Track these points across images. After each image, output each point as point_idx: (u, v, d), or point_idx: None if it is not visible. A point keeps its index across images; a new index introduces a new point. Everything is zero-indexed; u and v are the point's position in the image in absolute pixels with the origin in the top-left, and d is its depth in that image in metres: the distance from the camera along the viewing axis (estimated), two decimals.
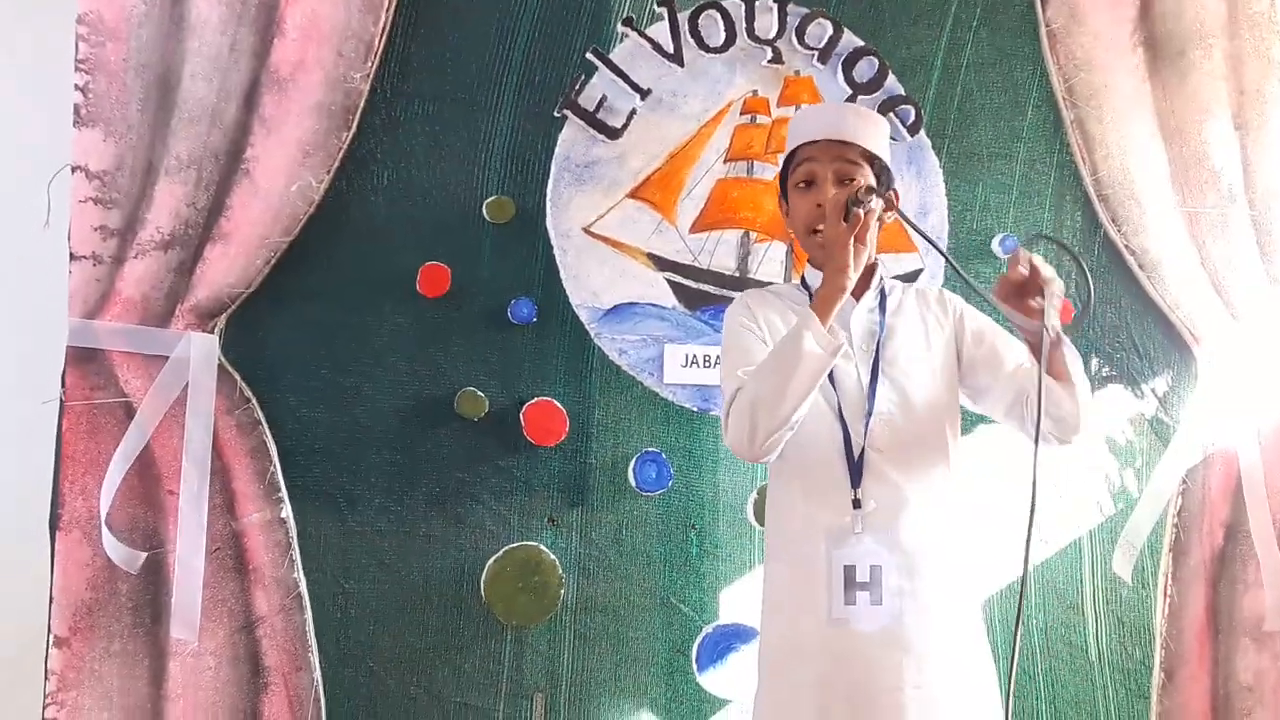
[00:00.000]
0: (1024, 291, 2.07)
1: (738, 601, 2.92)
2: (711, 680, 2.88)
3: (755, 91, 3.06)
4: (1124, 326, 3.18)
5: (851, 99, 3.06)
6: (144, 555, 2.68)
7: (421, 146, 2.91)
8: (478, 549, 2.87)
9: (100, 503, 2.65)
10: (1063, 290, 2.06)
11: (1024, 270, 2.04)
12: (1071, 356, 2.15)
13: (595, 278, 2.96)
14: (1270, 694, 3.11)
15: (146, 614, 2.71)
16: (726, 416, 2.17)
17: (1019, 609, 1.98)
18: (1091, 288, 2.39)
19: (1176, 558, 3.13)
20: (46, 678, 2.65)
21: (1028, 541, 2.02)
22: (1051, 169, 3.19)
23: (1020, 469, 2.09)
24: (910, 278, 3.02)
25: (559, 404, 2.90)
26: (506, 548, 2.87)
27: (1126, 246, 3.17)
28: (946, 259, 2.14)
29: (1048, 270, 2.05)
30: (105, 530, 2.64)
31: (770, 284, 2.90)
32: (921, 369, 2.27)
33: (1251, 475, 3.14)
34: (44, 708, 2.65)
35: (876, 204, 2.14)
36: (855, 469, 2.18)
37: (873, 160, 2.26)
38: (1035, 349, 2.10)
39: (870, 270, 2.29)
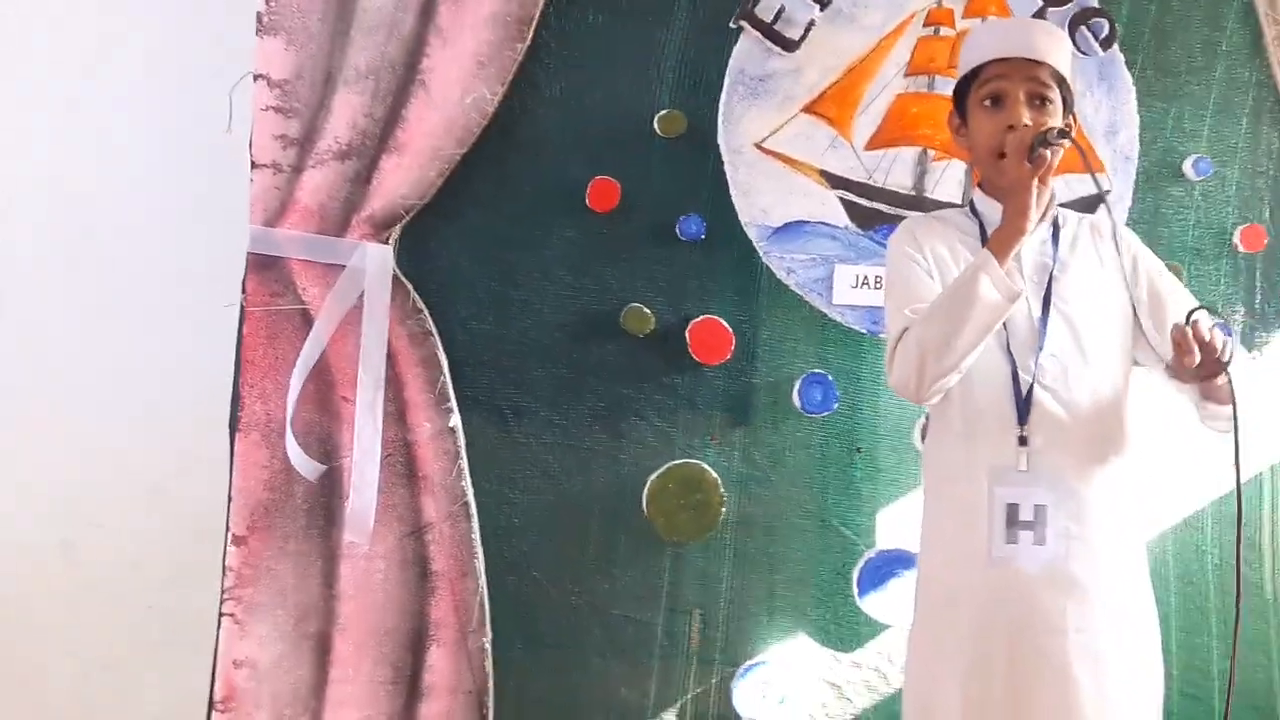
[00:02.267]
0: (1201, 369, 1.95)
1: (900, 526, 2.89)
2: (872, 604, 2.86)
3: (940, 2, 2.94)
4: None
5: (1042, 11, 2.92)
6: (325, 467, 2.75)
7: (594, 59, 2.88)
8: (640, 465, 2.88)
9: (285, 410, 2.72)
10: (1234, 352, 1.94)
11: (1196, 357, 1.91)
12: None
13: (766, 195, 2.90)
14: None
15: (320, 516, 2.79)
16: (892, 356, 2.12)
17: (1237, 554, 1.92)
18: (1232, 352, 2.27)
19: None
20: (224, 574, 2.75)
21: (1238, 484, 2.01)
22: (1250, 88, 3.03)
23: (1186, 409, 2.09)
24: (1088, 204, 2.90)
25: (725, 322, 2.87)
26: (669, 464, 2.87)
27: None
28: (1107, 208, 2.03)
29: (1219, 337, 1.92)
30: (290, 438, 2.71)
31: (946, 204, 2.83)
32: (1093, 306, 2.18)
33: None
34: (221, 602, 2.75)
35: (1066, 143, 2.05)
36: (1022, 405, 2.12)
37: (1061, 82, 2.16)
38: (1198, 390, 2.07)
39: (1047, 199, 2.20)
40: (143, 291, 3.18)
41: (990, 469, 2.12)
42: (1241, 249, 2.99)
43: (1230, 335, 2.83)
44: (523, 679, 2.85)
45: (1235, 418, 1.97)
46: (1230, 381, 1.95)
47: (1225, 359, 1.92)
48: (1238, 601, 1.99)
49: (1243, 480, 2.89)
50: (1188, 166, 2.98)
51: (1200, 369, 1.93)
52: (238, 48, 2.78)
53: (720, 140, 2.89)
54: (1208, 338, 1.92)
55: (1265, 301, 3.01)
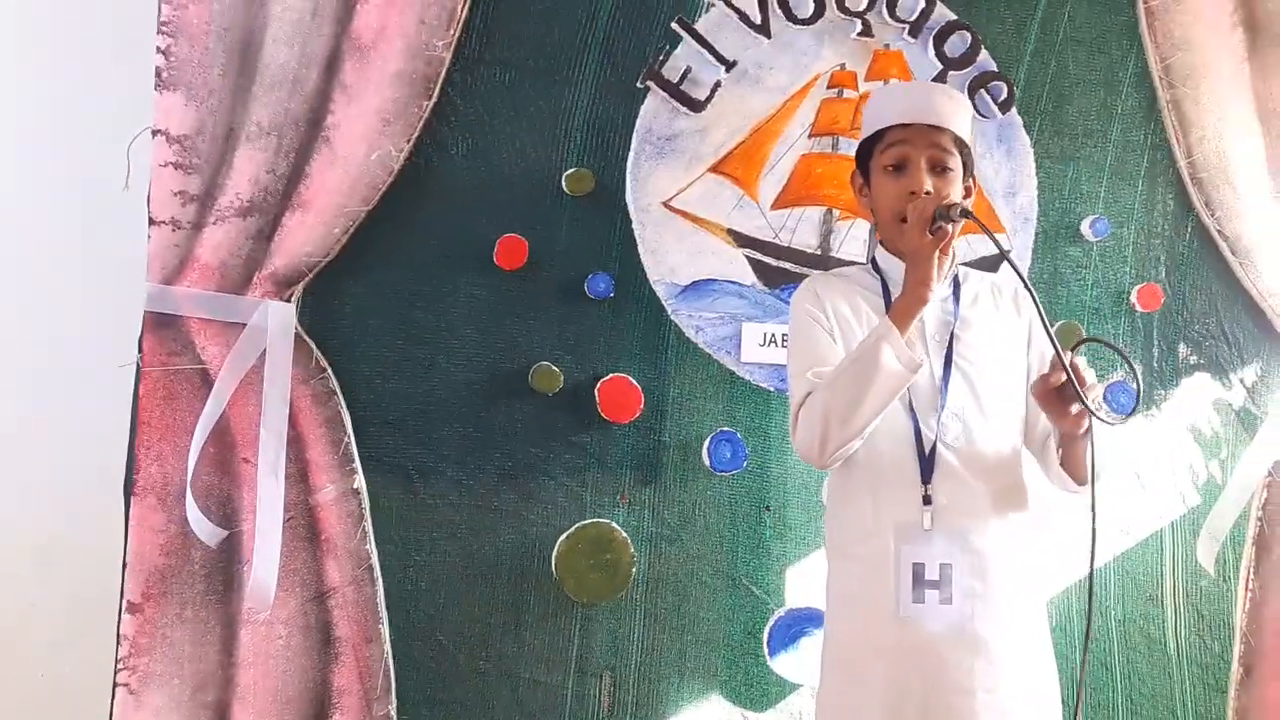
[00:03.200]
0: (1063, 394, 1.98)
1: (809, 583, 2.88)
2: (783, 664, 2.85)
3: (843, 65, 2.99)
4: (1213, 314, 3.10)
5: (942, 75, 2.98)
6: (225, 533, 2.69)
7: (501, 117, 2.87)
8: (549, 525, 2.85)
9: (182, 473, 2.66)
10: (1101, 395, 1.99)
11: (1063, 376, 1.95)
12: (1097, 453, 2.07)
13: (674, 253, 2.91)
14: None
15: (219, 581, 2.71)
16: (795, 420, 2.14)
17: (1087, 629, 1.94)
18: (1140, 385, 2.33)
19: (1259, 551, 3.07)
20: (119, 643, 2.66)
21: (1090, 570, 2.02)
22: (1145, 150, 3.10)
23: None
24: (991, 263, 2.94)
25: (634, 380, 2.87)
26: (578, 524, 2.85)
27: (1219, 232, 3.09)
28: (1013, 266, 2.05)
29: (1089, 376, 1.97)
30: (191, 503, 2.65)
31: (852, 264, 2.85)
32: (995, 364, 2.21)
33: None
34: (115, 672, 2.66)
35: (964, 219, 2.07)
36: (926, 464, 2.13)
37: (963, 146, 2.19)
38: (1061, 437, 2.09)
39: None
40: (35, 350, 3.09)
41: (896, 527, 2.12)
42: (1139, 308, 3.05)
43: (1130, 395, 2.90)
44: None
45: (1092, 461, 2.01)
46: (1090, 424, 1.98)
47: (1086, 388, 1.94)
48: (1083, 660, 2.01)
49: (1143, 535, 3.00)
50: (1085, 227, 3.04)
51: (1061, 391, 1.96)
52: (136, 102, 2.74)
53: (628, 199, 2.90)
54: (1082, 367, 1.96)
55: (1163, 360, 3.07)
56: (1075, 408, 1.97)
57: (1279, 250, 3.09)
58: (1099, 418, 1.94)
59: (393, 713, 2.75)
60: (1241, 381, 3.11)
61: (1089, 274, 3.06)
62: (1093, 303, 3.06)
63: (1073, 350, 1.94)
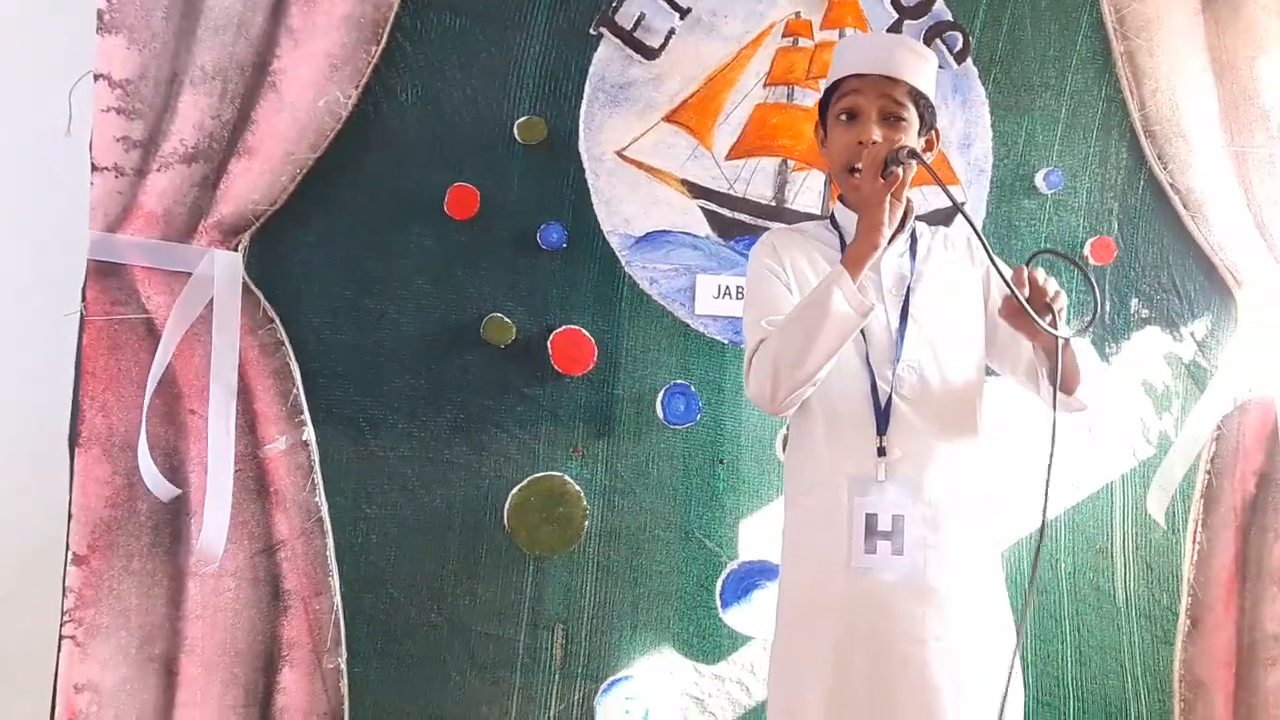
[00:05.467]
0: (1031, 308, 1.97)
1: (762, 536, 2.88)
2: (735, 617, 2.85)
3: (798, 13, 2.96)
4: (1165, 267, 3.11)
5: (897, 24, 2.96)
6: (179, 491, 2.66)
7: (452, 63, 2.83)
8: (501, 477, 2.84)
9: (127, 423, 2.64)
10: (1066, 302, 1.98)
11: (1026, 291, 1.95)
12: (1081, 359, 2.10)
13: (627, 204, 2.89)
14: None
15: (166, 533, 2.69)
16: (748, 368, 2.14)
17: (1032, 577, 1.95)
18: (1098, 297, 2.33)
19: (1207, 504, 3.08)
20: (64, 595, 2.64)
21: (1044, 516, 2.02)
22: (1099, 102, 3.09)
23: (1043, 417, 2.06)
24: (946, 216, 2.93)
25: (587, 333, 2.85)
26: (531, 477, 2.83)
27: (1171, 185, 3.09)
28: (968, 220, 2.04)
29: (1052, 285, 1.97)
30: (146, 459, 2.62)
31: (806, 215, 2.83)
32: (951, 317, 2.22)
33: None
34: (61, 624, 2.64)
35: (916, 163, 2.07)
36: (881, 416, 2.14)
37: (919, 99, 2.18)
38: (1044, 355, 2.07)
39: (904, 213, 2.21)
40: None
41: (850, 479, 2.13)
42: (1092, 261, 3.05)
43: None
44: (381, 698, 2.78)
45: (1057, 373, 2.00)
46: (1057, 331, 1.97)
47: (1052, 298, 1.95)
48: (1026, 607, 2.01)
49: (1093, 489, 3.01)
50: (1040, 179, 3.04)
51: (1031, 304, 1.94)
52: (77, 46, 2.68)
53: (581, 148, 2.88)
54: (1041, 280, 1.96)
55: (1115, 313, 3.08)
56: (1041, 323, 1.94)
57: (1231, 204, 3.09)
58: (1046, 329, 1.93)
59: (343, 665, 2.74)
60: (1192, 335, 3.12)
61: (1043, 227, 3.06)
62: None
63: (1028, 264, 1.97)
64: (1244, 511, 3.10)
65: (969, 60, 3.01)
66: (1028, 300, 1.94)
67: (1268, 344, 3.08)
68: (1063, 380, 2.05)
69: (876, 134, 2.14)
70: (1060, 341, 1.99)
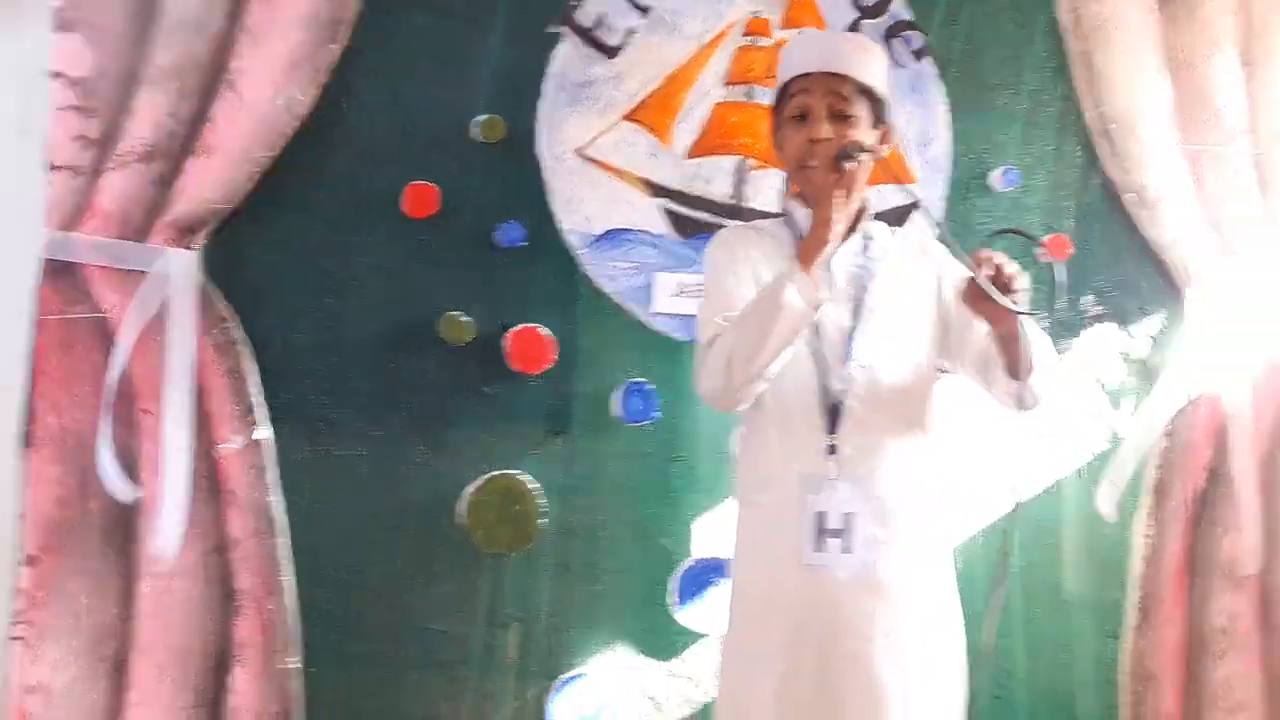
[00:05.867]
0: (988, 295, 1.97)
1: (716, 534, 2.90)
2: (689, 615, 2.86)
3: (757, 13, 2.97)
4: (1119, 265, 3.15)
5: (856, 23, 2.98)
6: (141, 491, 2.64)
7: (410, 62, 2.82)
8: (458, 476, 2.83)
9: (80, 423, 2.61)
10: (1028, 282, 1.98)
11: (989, 271, 1.95)
12: (1036, 349, 2.07)
13: (587, 202, 2.89)
14: (1243, 637, 3.12)
15: (118, 534, 2.66)
16: (702, 363, 2.15)
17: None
18: (1061, 278, 2.34)
19: (1157, 499, 3.13)
20: (15, 596, 2.61)
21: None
22: (1056, 101, 3.13)
23: (992, 414, 2.08)
24: (901, 213, 2.95)
25: (545, 331, 2.84)
26: (487, 475, 2.82)
27: (1125, 183, 3.12)
28: (927, 214, 2.05)
29: (1012, 266, 1.97)
30: (107, 460, 2.60)
31: (764, 213, 2.84)
32: (903, 316, 2.24)
33: (1238, 416, 3.12)
34: (12, 626, 2.61)
35: (868, 157, 2.10)
36: (832, 415, 2.16)
37: (868, 93, 2.19)
38: (1002, 343, 2.05)
39: (858, 211, 2.23)
40: None
41: (801, 477, 2.15)
42: (1048, 258, 3.07)
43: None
44: (336, 697, 2.77)
45: (1018, 353, 2.02)
46: (1018, 308, 1.96)
47: (1010, 279, 1.95)
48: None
49: (1045, 484, 3.03)
50: (996, 177, 3.06)
51: (992, 284, 1.93)
52: (33, 43, 2.64)
53: (541, 146, 2.87)
54: (998, 260, 1.96)
55: (1071, 309, 3.11)
56: (1003, 300, 1.93)
57: (1183, 202, 3.13)
58: (1008, 304, 1.93)
59: (293, 665, 2.73)
60: (1144, 331, 3.16)
61: (999, 224, 3.06)
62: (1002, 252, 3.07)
63: (988, 244, 1.98)
64: (1193, 506, 3.15)
65: (927, 59, 3.03)
66: (990, 279, 1.94)
67: (1217, 340, 3.12)
68: (1017, 366, 2.06)
69: (827, 131, 2.15)
70: (1020, 320, 1.98)
